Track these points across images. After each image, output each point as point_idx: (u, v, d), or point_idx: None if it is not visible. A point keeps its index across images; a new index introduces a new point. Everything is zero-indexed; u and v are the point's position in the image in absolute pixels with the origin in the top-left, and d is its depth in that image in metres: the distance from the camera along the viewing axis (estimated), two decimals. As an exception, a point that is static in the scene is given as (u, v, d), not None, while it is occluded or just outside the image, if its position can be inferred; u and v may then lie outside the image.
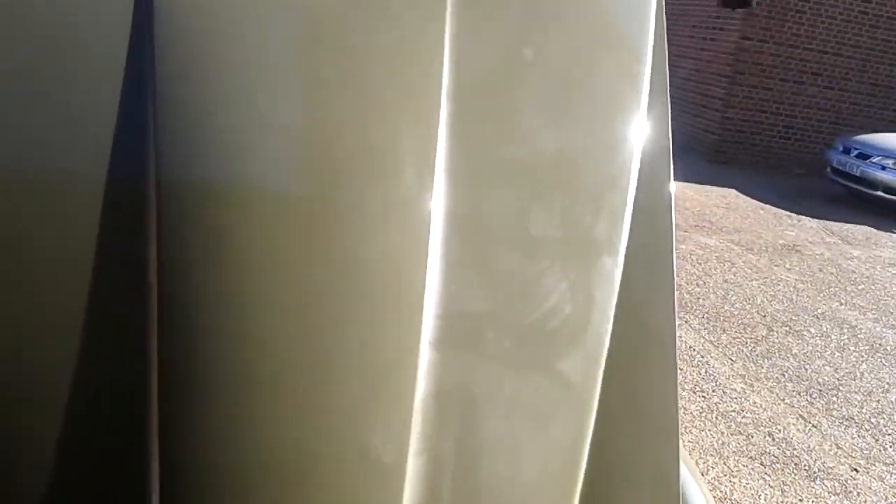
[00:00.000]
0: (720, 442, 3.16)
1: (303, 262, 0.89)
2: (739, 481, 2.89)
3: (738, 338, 4.27)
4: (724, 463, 2.99)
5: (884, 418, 3.62)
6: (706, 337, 4.14)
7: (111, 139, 0.84)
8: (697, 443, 3.01)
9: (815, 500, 2.90)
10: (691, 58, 11.82)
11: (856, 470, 3.13)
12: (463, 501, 0.94)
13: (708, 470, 2.85)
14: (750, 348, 4.09)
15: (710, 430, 3.25)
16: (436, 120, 0.98)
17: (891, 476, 3.15)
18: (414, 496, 0.88)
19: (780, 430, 3.30)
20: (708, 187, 8.78)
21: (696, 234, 6.42)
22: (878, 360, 4.25)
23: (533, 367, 1.03)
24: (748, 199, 8.23)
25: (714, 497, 2.61)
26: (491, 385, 0.99)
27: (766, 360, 4.00)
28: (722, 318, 4.48)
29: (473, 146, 1.01)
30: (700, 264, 5.53)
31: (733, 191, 8.61)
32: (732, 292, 5.00)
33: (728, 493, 2.83)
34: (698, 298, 4.76)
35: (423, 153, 0.96)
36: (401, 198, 0.95)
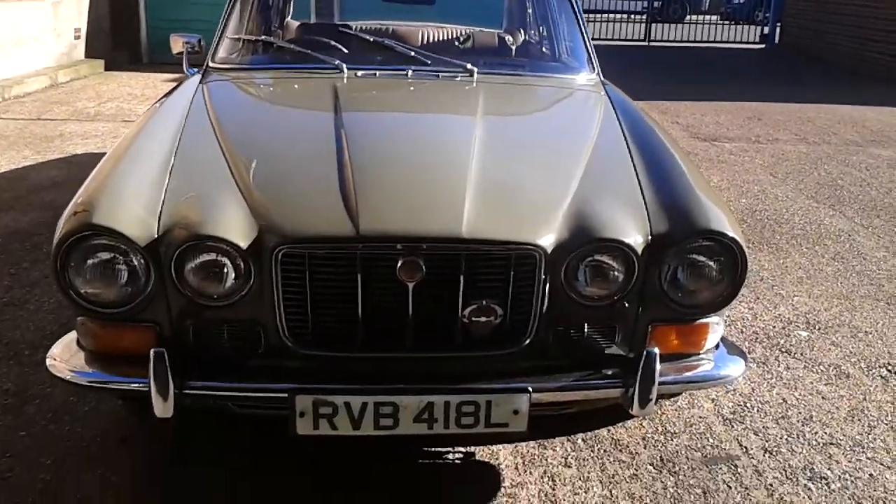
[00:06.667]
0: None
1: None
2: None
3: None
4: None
5: None
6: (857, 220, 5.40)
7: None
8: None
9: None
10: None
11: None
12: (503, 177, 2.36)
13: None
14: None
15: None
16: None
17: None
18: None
19: None
20: (893, 108, 9.88)
21: (871, 147, 7.80)
22: None
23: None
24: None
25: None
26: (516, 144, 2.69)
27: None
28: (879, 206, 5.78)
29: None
30: (868, 171, 6.87)
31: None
32: None
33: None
34: (857, 195, 6.06)
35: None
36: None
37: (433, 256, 2.05)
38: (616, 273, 2.15)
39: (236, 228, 2.06)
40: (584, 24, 3.83)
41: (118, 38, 11.97)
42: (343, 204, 2.13)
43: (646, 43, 17.67)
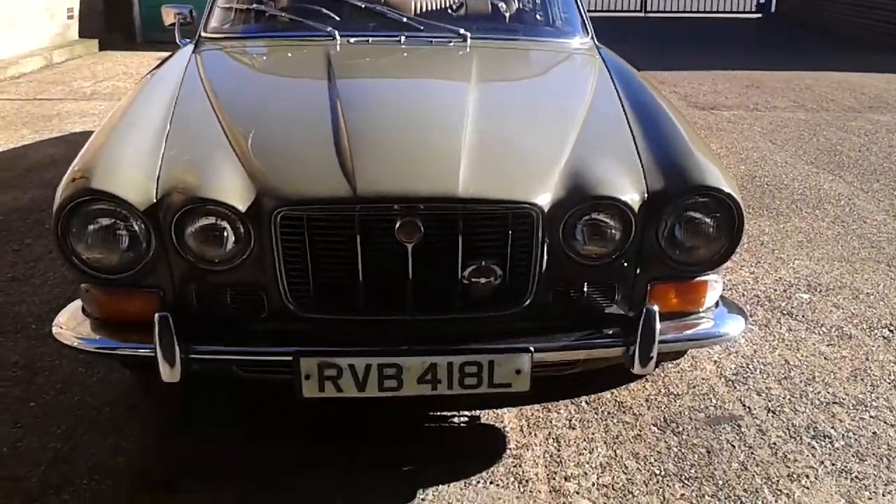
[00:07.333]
0: None
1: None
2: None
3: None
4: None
5: None
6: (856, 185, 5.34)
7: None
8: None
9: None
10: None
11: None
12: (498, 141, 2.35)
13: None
14: None
15: None
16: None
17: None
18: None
19: None
20: (890, 75, 9.89)
21: (870, 113, 7.81)
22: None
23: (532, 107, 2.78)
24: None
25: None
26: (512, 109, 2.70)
27: None
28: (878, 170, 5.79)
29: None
30: (867, 136, 6.86)
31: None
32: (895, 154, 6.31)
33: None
34: (856, 160, 6.05)
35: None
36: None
37: (431, 217, 2.06)
38: (613, 231, 2.16)
39: (234, 192, 2.07)
40: None
41: (111, 18, 11.90)
42: (340, 166, 2.14)
43: (642, 14, 17.57)
